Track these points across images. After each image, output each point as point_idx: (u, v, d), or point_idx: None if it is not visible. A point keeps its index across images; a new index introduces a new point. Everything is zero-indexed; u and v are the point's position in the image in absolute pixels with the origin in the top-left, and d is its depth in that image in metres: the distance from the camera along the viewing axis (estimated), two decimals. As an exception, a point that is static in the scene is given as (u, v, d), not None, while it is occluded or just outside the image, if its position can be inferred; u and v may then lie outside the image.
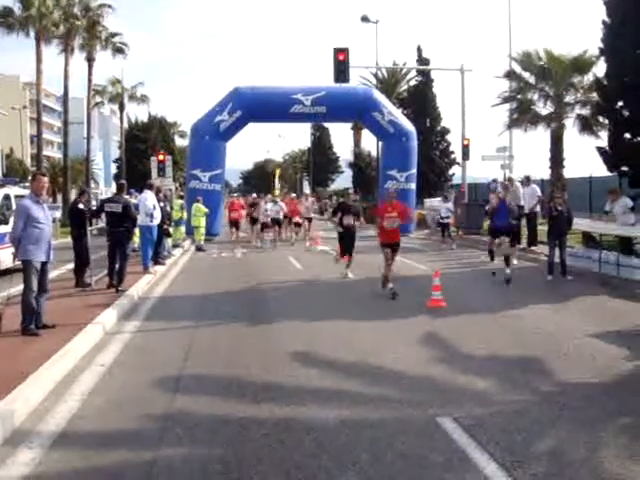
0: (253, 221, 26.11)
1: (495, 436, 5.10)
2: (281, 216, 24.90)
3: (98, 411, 5.90)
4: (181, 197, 24.79)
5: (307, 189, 61.10)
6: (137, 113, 67.22)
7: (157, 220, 15.17)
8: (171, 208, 19.84)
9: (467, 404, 5.91)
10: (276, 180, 62.77)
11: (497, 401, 6.06)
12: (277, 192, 52.87)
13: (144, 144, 58.20)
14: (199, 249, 22.78)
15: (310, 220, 26.72)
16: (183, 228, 23.25)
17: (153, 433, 5.34)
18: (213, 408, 5.97)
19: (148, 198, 15.09)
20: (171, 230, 19.41)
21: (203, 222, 23.61)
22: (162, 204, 16.57)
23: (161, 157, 31.20)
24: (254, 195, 32.15)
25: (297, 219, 26.20)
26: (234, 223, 27.23)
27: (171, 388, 6.54)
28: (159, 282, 14.60)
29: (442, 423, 5.42)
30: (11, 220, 16.11)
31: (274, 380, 6.77)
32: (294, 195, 35.53)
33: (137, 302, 11.89)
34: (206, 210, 23.59)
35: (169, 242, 19.61)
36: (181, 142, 68.65)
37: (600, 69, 22.34)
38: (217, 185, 28.39)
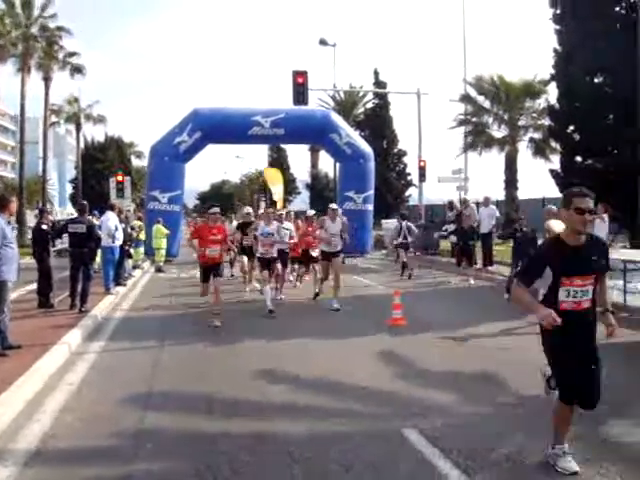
0: (245, 252, 16.01)
1: (458, 445, 5.35)
2: (286, 246, 14.71)
3: (70, 429, 5.97)
4: (139, 218, 24.45)
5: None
6: (93, 133, 66.28)
7: (119, 241, 15.22)
8: (132, 229, 19.82)
9: (430, 416, 6.16)
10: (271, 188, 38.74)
11: (459, 413, 6.33)
12: (279, 203, 33.99)
13: (101, 164, 57.75)
14: (159, 270, 22.73)
15: (334, 256, 13.77)
16: (142, 249, 23.18)
17: (126, 449, 5.44)
18: (184, 424, 6.11)
19: (110, 219, 15.13)
20: (132, 251, 19.37)
21: (164, 243, 23.54)
22: (123, 225, 16.59)
23: (120, 178, 31.12)
24: (247, 210, 17.33)
25: (314, 253, 15.29)
26: (210, 269, 12.01)
27: (141, 406, 6.64)
28: (121, 303, 14.59)
29: (407, 435, 5.66)
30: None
31: (242, 396, 6.92)
32: (311, 212, 17.50)
33: (101, 322, 11.91)
34: (167, 231, 23.56)
35: (130, 263, 19.58)
36: (138, 162, 68.22)
37: (552, 94, 23.22)
38: (176, 206, 28.32)
